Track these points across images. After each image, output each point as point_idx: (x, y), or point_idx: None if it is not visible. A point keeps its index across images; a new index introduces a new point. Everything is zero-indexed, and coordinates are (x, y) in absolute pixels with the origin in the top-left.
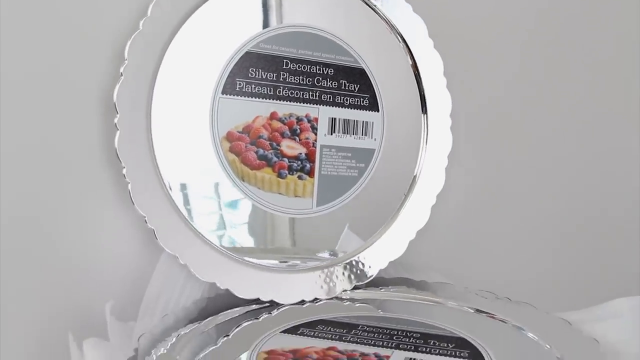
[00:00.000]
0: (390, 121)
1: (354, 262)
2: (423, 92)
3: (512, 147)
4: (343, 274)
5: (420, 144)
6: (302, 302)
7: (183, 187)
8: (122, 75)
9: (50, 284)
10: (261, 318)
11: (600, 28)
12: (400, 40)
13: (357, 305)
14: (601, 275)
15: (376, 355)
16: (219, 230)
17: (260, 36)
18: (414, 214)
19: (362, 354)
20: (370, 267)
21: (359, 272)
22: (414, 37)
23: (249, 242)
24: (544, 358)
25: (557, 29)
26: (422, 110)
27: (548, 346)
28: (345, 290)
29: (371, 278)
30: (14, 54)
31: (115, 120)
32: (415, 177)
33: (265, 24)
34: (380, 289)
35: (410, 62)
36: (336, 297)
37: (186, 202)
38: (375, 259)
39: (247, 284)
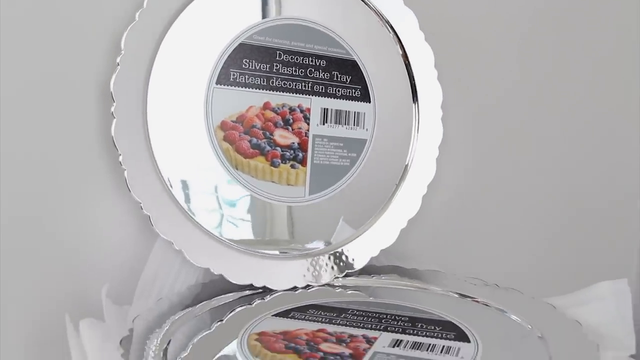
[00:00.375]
0: (381, 112)
1: (344, 251)
2: (414, 83)
3: (501, 138)
4: (334, 261)
5: (412, 134)
6: (295, 288)
7: (178, 174)
8: (118, 65)
9: (47, 268)
10: (254, 303)
11: (590, 19)
12: (392, 32)
13: (349, 292)
14: (589, 262)
15: (364, 336)
16: (213, 217)
17: (254, 28)
18: (406, 203)
19: (351, 336)
20: (353, 259)
21: (349, 260)
22: (405, 29)
23: (243, 229)
24: (525, 338)
25: (547, 21)
26: (414, 102)
27: (530, 327)
28: (337, 277)
29: (359, 267)
30: (15, 45)
31: (112, 109)
32: (406, 166)
33: (261, 16)
34: (372, 276)
35: (402, 55)
36: (328, 284)
37: (181, 189)
38: (367, 247)
39: (240, 270)
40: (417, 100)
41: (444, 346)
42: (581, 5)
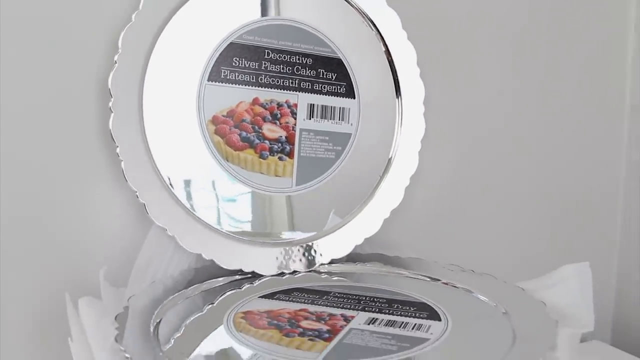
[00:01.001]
0: (366, 108)
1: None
2: (397, 80)
3: (481, 133)
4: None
5: (395, 129)
6: (282, 274)
7: (172, 165)
8: (116, 63)
9: (50, 252)
10: (244, 287)
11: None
12: (376, 31)
13: (334, 278)
14: (568, 250)
15: (342, 315)
16: (205, 205)
17: (244, 28)
18: (389, 195)
19: (330, 314)
20: (321, 254)
21: (318, 254)
22: (388, 29)
23: (233, 216)
24: (490, 314)
25: (527, 18)
26: (397, 98)
27: (494, 304)
28: (323, 264)
29: (325, 261)
30: (19, 44)
31: (110, 104)
32: (390, 159)
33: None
34: (356, 263)
35: (385, 53)
36: (314, 270)
37: (175, 179)
38: (351, 236)
39: (230, 256)
40: (400, 96)
41: (415, 324)
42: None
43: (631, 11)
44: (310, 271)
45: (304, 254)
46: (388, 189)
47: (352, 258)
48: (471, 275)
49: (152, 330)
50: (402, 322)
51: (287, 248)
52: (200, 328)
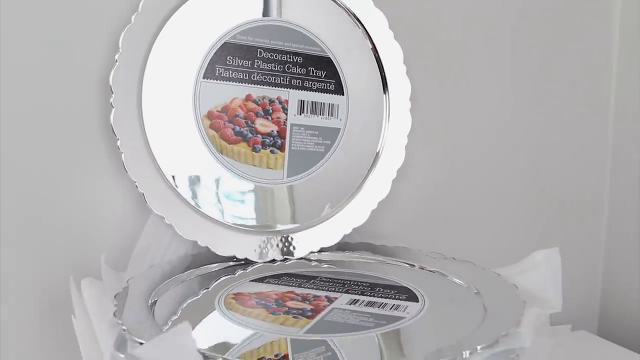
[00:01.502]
0: (354, 104)
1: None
2: (385, 78)
3: (465, 128)
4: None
5: (383, 124)
6: (274, 261)
7: (170, 158)
8: (116, 61)
9: (55, 238)
10: (237, 273)
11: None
12: (364, 31)
13: (323, 265)
14: (549, 242)
15: (326, 297)
16: (200, 194)
17: (237, 29)
18: (376, 187)
19: (315, 296)
20: (294, 248)
21: (292, 246)
22: (375, 29)
23: (227, 206)
24: (465, 296)
25: (512, 18)
26: (384, 94)
27: (467, 285)
28: (313, 252)
29: (299, 255)
30: (27, 44)
31: (111, 100)
32: (377, 153)
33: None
34: (345, 252)
35: (373, 52)
36: (304, 258)
37: (172, 171)
38: (340, 226)
39: (224, 243)
40: (387, 93)
41: (394, 304)
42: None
43: (616, 11)
44: (300, 259)
45: (280, 243)
46: (376, 182)
47: (341, 247)
48: (452, 262)
49: (149, 307)
50: (382, 303)
51: (269, 237)
52: (196, 311)
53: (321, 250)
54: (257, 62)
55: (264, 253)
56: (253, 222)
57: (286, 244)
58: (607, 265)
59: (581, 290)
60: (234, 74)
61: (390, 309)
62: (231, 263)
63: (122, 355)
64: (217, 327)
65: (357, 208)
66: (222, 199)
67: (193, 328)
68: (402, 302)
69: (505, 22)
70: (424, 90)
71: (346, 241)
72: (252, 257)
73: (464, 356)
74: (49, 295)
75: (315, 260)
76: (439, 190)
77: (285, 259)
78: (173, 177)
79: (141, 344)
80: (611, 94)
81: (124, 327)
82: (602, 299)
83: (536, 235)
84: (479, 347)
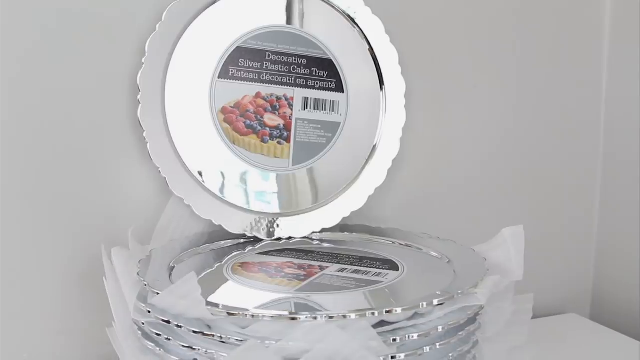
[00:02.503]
0: (353, 101)
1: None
2: (381, 77)
3: (456, 122)
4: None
5: (379, 118)
6: (279, 239)
7: (189, 147)
8: (143, 64)
9: (90, 215)
10: (247, 249)
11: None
12: (362, 36)
13: (324, 244)
14: (543, 227)
15: (319, 266)
16: (216, 179)
17: (248, 35)
18: (373, 175)
19: (310, 265)
20: (274, 228)
21: (275, 228)
22: (373, 33)
23: (239, 189)
24: (439, 265)
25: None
26: (381, 92)
27: (439, 256)
28: (315, 232)
29: (285, 236)
30: (69, 51)
31: (138, 97)
32: (375, 145)
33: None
34: (344, 232)
35: (371, 54)
36: (307, 237)
37: (191, 158)
38: (340, 209)
39: (236, 222)
40: (384, 90)
41: (377, 272)
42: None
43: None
44: (304, 238)
45: (285, 223)
46: (373, 170)
47: (340, 228)
48: (436, 240)
49: (167, 270)
50: (366, 271)
51: (275, 218)
52: (211, 282)
53: (322, 230)
54: (266, 64)
55: (271, 232)
56: (263, 206)
57: (291, 224)
58: (600, 249)
59: (573, 274)
60: (245, 74)
61: (373, 275)
62: (242, 240)
63: (143, 305)
64: (225, 289)
65: (356, 194)
66: (235, 184)
67: (208, 295)
68: (384, 270)
69: (493, 26)
70: (417, 88)
71: (346, 223)
72: (260, 235)
73: (420, 307)
74: (86, 263)
75: (317, 240)
76: (430, 179)
77: (290, 237)
78: (191, 164)
79: (158, 294)
80: (602, 86)
81: (145, 283)
82: (594, 283)
83: (527, 219)
84: (435, 301)
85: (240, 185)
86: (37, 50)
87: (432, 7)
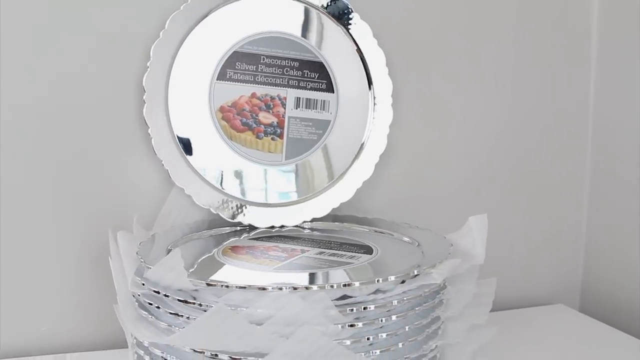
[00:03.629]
0: (343, 100)
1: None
2: (370, 78)
3: (441, 121)
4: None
5: (368, 117)
6: (272, 227)
7: (190, 142)
8: (148, 67)
9: (99, 203)
10: (242, 236)
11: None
12: (351, 39)
13: (314, 232)
14: (533, 219)
15: (301, 249)
16: (215, 172)
17: (244, 40)
18: (362, 169)
19: (293, 249)
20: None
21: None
22: (361, 37)
23: (236, 182)
24: (408, 250)
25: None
26: (369, 91)
27: (410, 240)
28: (306, 222)
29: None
30: (84, 57)
31: (144, 97)
32: (363, 141)
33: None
34: (334, 222)
35: (359, 56)
36: (298, 226)
37: (191, 153)
38: (330, 201)
39: (254, 217)
40: (372, 90)
41: (352, 255)
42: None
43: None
44: (295, 227)
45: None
46: (361, 165)
47: (333, 218)
48: (415, 229)
49: (165, 251)
50: (342, 254)
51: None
52: (209, 265)
53: (313, 220)
54: (261, 67)
55: (266, 220)
56: (259, 197)
57: (283, 214)
58: (589, 242)
59: (562, 265)
60: (241, 77)
61: (347, 257)
62: (238, 228)
63: (139, 279)
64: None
65: (345, 187)
66: (232, 176)
67: (205, 273)
68: (359, 254)
69: (477, 28)
70: (403, 88)
71: (336, 214)
72: (255, 224)
73: (376, 282)
74: (98, 246)
75: (308, 228)
76: (416, 173)
77: (282, 226)
78: (192, 157)
79: (150, 268)
80: (590, 86)
81: (141, 259)
82: (583, 275)
83: (517, 211)
84: (392, 277)
85: (238, 177)
86: (56, 55)
87: (418, 12)
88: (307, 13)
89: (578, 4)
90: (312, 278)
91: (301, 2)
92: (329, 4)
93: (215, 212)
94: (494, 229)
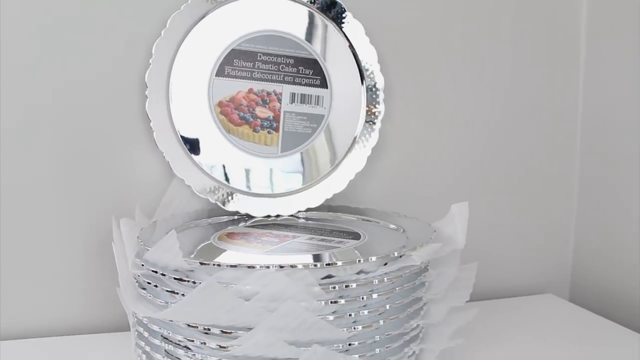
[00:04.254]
0: (337, 96)
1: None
2: (362, 74)
3: (430, 114)
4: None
5: (360, 112)
6: (269, 216)
7: (189, 135)
8: (151, 64)
9: (105, 192)
10: (240, 224)
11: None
12: (344, 37)
13: (308, 221)
14: (522, 210)
15: (293, 235)
16: (213, 164)
17: (242, 38)
18: (354, 161)
19: (285, 235)
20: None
21: (310, 200)
22: (354, 35)
23: (234, 173)
24: (394, 236)
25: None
26: (362, 87)
27: (396, 228)
28: (300, 211)
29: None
30: (91, 56)
31: (146, 92)
32: (356, 135)
33: (247, 29)
34: (328, 212)
35: (352, 53)
36: (293, 215)
37: (191, 145)
38: (324, 192)
39: (231, 202)
40: (364, 86)
41: (340, 240)
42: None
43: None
44: (291, 216)
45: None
46: (354, 157)
47: (328, 208)
48: (403, 218)
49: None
50: (330, 240)
51: (267, 199)
52: (209, 252)
53: (308, 209)
54: (258, 64)
55: (262, 210)
56: (256, 188)
57: (280, 203)
58: (579, 232)
59: (553, 256)
60: (239, 73)
61: (335, 242)
62: (236, 217)
63: (139, 260)
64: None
65: (338, 178)
66: (231, 168)
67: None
68: (347, 240)
69: (467, 26)
70: (395, 84)
71: (330, 204)
72: (252, 213)
73: (357, 262)
74: (105, 233)
75: (303, 218)
76: (405, 165)
77: (278, 215)
78: (192, 150)
79: (148, 250)
80: (580, 79)
81: (141, 242)
82: (573, 265)
83: (507, 201)
84: (373, 258)
85: (236, 169)
86: (65, 53)
87: (409, 11)
88: (301, 13)
89: (567, 6)
90: (299, 259)
91: (296, 2)
92: (323, 3)
93: (213, 202)
94: (485, 220)
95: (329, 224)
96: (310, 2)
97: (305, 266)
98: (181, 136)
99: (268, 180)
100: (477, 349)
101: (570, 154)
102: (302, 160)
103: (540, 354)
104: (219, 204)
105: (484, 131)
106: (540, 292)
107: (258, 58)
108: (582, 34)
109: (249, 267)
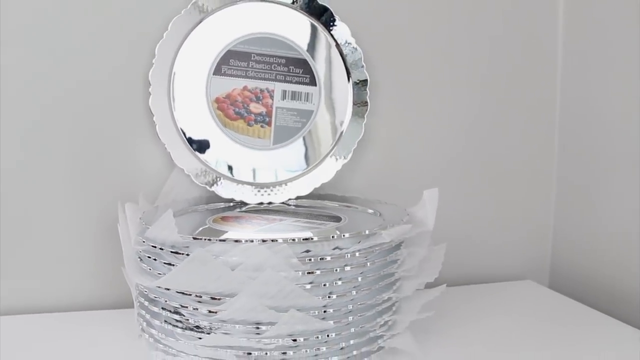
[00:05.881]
0: (325, 93)
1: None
2: (349, 73)
3: (413, 110)
4: (288, 189)
5: (347, 107)
6: (261, 203)
7: (189, 129)
8: (153, 64)
9: (111, 181)
10: (235, 211)
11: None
12: (332, 39)
13: (298, 208)
14: (501, 200)
15: (280, 219)
16: (210, 155)
17: (237, 40)
18: (341, 153)
19: (273, 219)
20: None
21: (299, 189)
22: (341, 37)
23: (230, 163)
24: (372, 218)
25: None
26: (348, 85)
27: (373, 212)
28: (291, 199)
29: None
30: (98, 55)
31: (150, 89)
32: (342, 129)
33: (242, 32)
34: (316, 200)
35: (339, 54)
36: (284, 203)
37: (190, 137)
38: (312, 181)
39: (226, 189)
40: (350, 83)
41: (322, 222)
42: None
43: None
44: (282, 203)
45: (267, 191)
46: (341, 150)
47: (312, 196)
48: (383, 204)
49: None
50: (314, 222)
51: (259, 187)
52: (207, 234)
53: (297, 197)
54: (252, 63)
55: (255, 198)
56: (249, 177)
57: (272, 192)
58: (558, 221)
59: (533, 243)
60: (235, 72)
61: (317, 224)
62: (231, 204)
63: (141, 237)
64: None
65: (326, 169)
66: (226, 158)
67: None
68: (329, 222)
69: (448, 26)
70: (380, 82)
71: (319, 192)
72: (246, 200)
73: (331, 238)
74: (112, 219)
75: (293, 205)
76: (389, 157)
77: (270, 202)
78: (191, 142)
79: (148, 228)
80: (557, 70)
81: (143, 223)
82: (552, 252)
83: (487, 192)
84: (346, 234)
85: (231, 160)
86: (76, 56)
87: (393, 14)
88: (293, 16)
89: (545, 6)
90: (281, 235)
91: (288, 6)
92: (314, 8)
93: (211, 190)
94: (467, 210)
95: (314, 209)
96: (303, 9)
97: (285, 240)
98: (181, 130)
99: (261, 170)
100: (454, 326)
101: (548, 146)
102: (293, 152)
103: (516, 333)
104: (213, 189)
105: (464, 125)
106: (521, 278)
107: (252, 58)
108: (560, 33)
109: (235, 241)
